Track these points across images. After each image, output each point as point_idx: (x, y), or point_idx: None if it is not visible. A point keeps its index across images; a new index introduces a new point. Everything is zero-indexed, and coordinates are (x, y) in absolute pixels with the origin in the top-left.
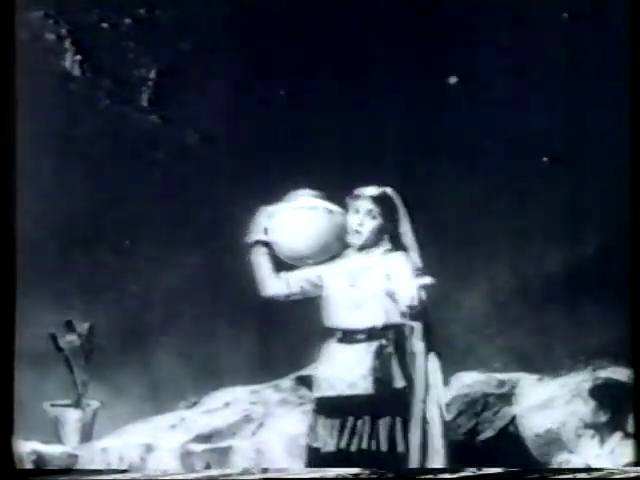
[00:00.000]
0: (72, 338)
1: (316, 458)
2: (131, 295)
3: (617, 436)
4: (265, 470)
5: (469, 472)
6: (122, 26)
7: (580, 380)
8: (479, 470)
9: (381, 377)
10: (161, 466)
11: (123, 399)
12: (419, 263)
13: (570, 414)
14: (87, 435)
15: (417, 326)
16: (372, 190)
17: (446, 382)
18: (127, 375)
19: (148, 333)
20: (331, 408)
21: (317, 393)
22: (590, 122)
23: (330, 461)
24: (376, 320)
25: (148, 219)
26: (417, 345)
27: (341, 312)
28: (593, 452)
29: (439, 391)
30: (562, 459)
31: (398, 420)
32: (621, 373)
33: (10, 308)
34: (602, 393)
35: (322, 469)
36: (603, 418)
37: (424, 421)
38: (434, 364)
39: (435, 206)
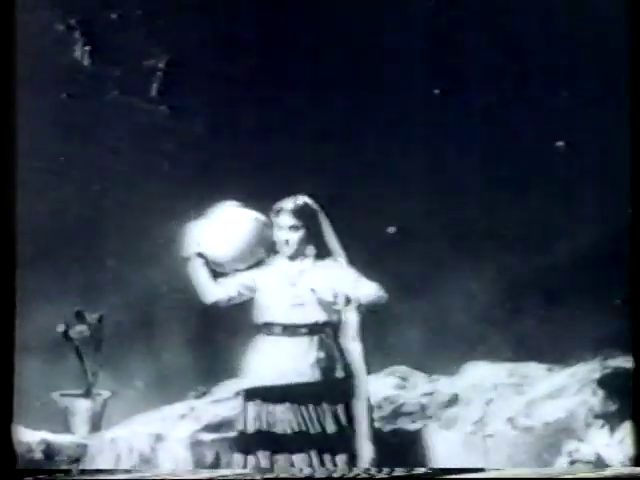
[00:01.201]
0: (82, 328)
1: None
2: (139, 285)
3: (627, 425)
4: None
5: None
6: (132, 16)
7: (589, 370)
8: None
9: (325, 367)
10: (171, 456)
11: (133, 389)
12: (345, 265)
13: (580, 404)
14: (97, 425)
15: (352, 324)
16: (290, 204)
17: (456, 371)
18: (137, 365)
19: (157, 323)
20: (278, 395)
21: (257, 382)
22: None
23: (282, 445)
24: (317, 317)
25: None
26: (352, 341)
27: (281, 309)
28: (603, 441)
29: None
30: (572, 448)
31: (340, 406)
32: (631, 362)
33: (10, 300)
34: (611, 383)
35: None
36: (612, 407)
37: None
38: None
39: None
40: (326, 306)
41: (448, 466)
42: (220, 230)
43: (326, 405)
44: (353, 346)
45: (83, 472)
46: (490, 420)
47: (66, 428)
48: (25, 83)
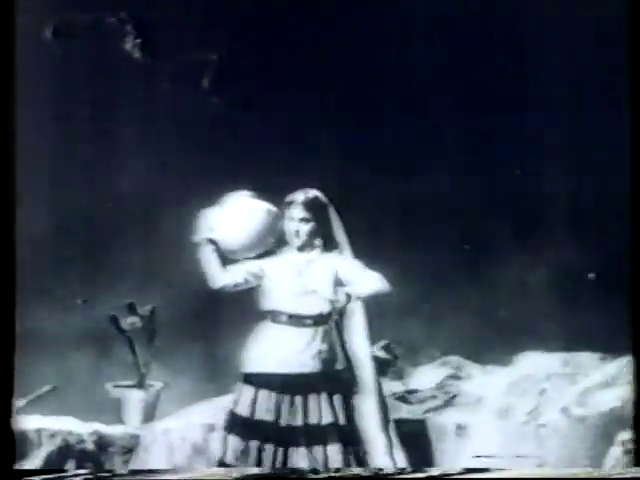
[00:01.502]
0: (134, 320)
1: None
2: (192, 275)
3: None
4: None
5: None
6: (182, 9)
7: None
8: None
9: (326, 359)
10: (223, 446)
11: (185, 379)
12: (350, 258)
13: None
14: (149, 416)
15: (359, 316)
16: (301, 196)
17: (509, 362)
18: (189, 355)
19: (210, 313)
20: (278, 384)
21: (256, 369)
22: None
23: (276, 434)
24: (322, 308)
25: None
26: (358, 333)
27: (287, 298)
28: None
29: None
30: (625, 438)
31: (338, 397)
32: None
33: (10, 296)
34: None
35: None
36: None
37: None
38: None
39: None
40: (336, 296)
41: (503, 456)
42: (232, 218)
43: (324, 396)
44: (358, 338)
45: (135, 473)
46: (544, 410)
47: (118, 419)
48: (75, 74)
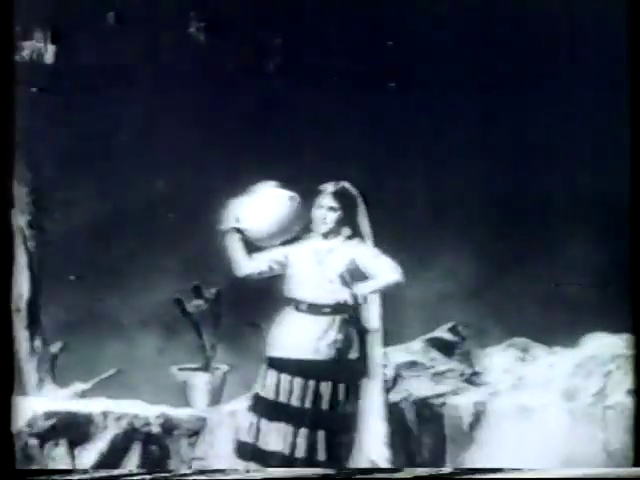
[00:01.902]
0: (199, 303)
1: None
2: None
3: None
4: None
5: None
6: None
7: None
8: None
9: (341, 348)
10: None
11: (251, 362)
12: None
13: None
14: (216, 398)
15: (374, 307)
16: (332, 186)
17: (575, 343)
18: (255, 338)
19: (275, 295)
20: (295, 369)
21: (278, 353)
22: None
23: (289, 417)
24: (341, 297)
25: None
26: (373, 323)
27: (308, 287)
28: None
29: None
30: None
31: (351, 385)
32: None
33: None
34: None
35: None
36: None
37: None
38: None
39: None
40: (353, 285)
41: (568, 438)
42: (259, 207)
43: (338, 384)
44: (374, 327)
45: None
46: (610, 392)
47: (185, 402)
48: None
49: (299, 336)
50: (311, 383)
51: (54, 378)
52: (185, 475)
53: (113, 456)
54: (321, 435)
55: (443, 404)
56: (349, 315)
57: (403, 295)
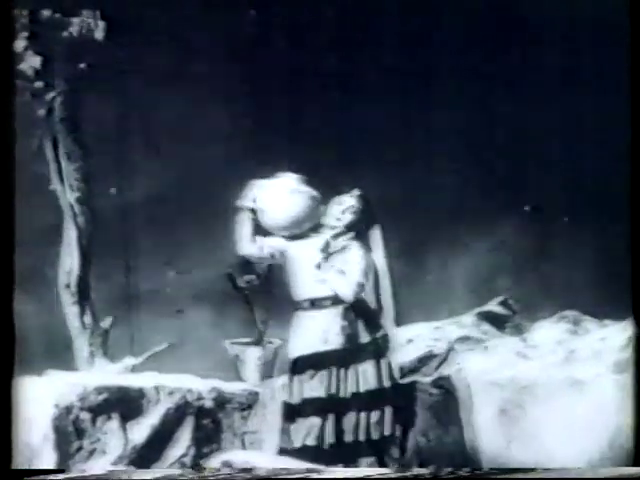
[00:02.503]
0: (251, 277)
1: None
2: None
3: None
4: None
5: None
6: None
7: None
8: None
9: (350, 334)
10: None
11: None
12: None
13: None
14: (268, 373)
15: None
16: (358, 190)
17: (626, 316)
18: None
19: None
20: (314, 363)
21: (297, 354)
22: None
23: (321, 406)
24: (338, 288)
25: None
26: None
27: (307, 285)
28: None
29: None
30: None
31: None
32: None
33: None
34: None
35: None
36: None
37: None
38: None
39: None
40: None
41: (619, 412)
42: (280, 196)
43: (353, 368)
44: (387, 304)
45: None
46: None
47: (237, 376)
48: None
49: (309, 333)
50: (332, 372)
51: (105, 353)
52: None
53: (165, 430)
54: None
55: (495, 377)
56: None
57: (453, 268)
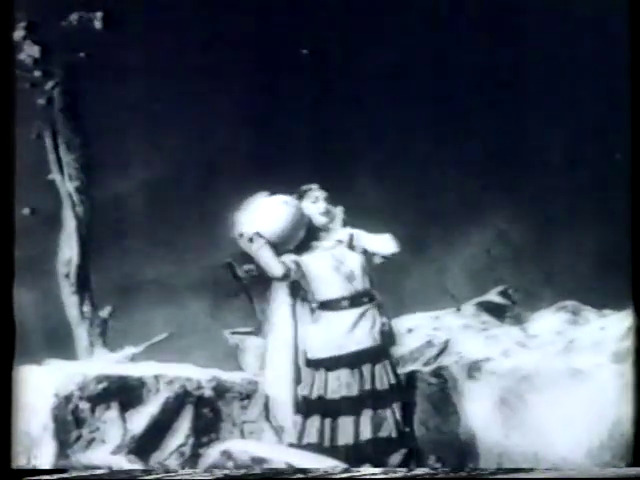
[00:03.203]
0: (250, 267)
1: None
2: None
3: None
4: None
5: None
6: None
7: None
8: None
9: (385, 331)
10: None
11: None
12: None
13: None
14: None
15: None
16: (318, 191)
17: (625, 306)
18: None
19: None
20: (344, 363)
21: (319, 354)
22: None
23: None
24: (358, 287)
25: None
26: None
27: (330, 286)
28: None
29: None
30: None
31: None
32: None
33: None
34: None
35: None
36: None
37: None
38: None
39: None
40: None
41: (619, 401)
42: (263, 215)
43: (379, 366)
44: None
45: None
46: None
47: (237, 366)
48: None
49: (328, 334)
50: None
51: (105, 342)
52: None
53: (165, 419)
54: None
55: (494, 367)
56: (369, 302)
57: (453, 258)
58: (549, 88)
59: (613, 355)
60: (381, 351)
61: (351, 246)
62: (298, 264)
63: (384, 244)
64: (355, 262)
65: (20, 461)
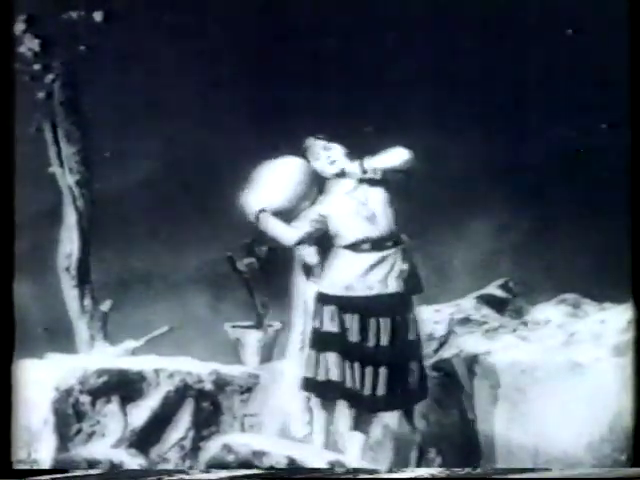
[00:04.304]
0: (250, 260)
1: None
2: None
3: None
4: None
5: None
6: None
7: None
8: None
9: (406, 278)
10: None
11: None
12: None
13: None
14: (268, 356)
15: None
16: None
17: (626, 299)
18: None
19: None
20: (351, 307)
21: (332, 290)
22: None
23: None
24: (381, 229)
25: None
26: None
27: (352, 230)
28: None
29: None
30: None
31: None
32: None
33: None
34: None
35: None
36: None
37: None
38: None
39: None
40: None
41: (619, 394)
42: (268, 183)
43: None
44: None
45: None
46: None
47: (237, 359)
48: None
49: (343, 274)
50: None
51: (105, 336)
52: None
53: (165, 413)
54: (382, 371)
55: (495, 360)
56: (390, 248)
57: (453, 252)
58: (549, 85)
59: (613, 348)
60: (395, 302)
61: (365, 174)
62: (323, 216)
63: (395, 156)
64: (377, 201)
65: (20, 455)
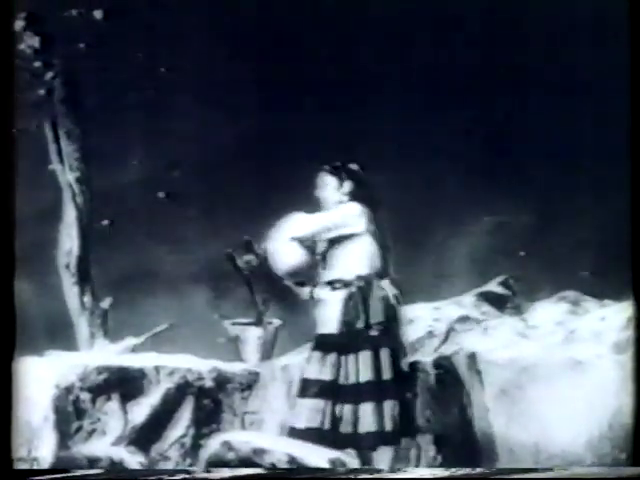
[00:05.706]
0: (250, 258)
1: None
2: None
3: None
4: None
5: None
6: None
7: None
8: None
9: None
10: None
11: (303, 317)
12: None
13: None
14: (268, 353)
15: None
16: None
17: (626, 297)
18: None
19: None
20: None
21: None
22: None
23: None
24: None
25: None
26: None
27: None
28: None
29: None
30: None
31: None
32: None
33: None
34: None
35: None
36: None
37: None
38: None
39: None
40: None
41: (619, 392)
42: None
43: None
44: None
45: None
46: None
47: (237, 357)
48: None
49: (324, 314)
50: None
51: (105, 333)
52: None
53: (165, 410)
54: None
55: (495, 358)
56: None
57: (453, 249)
58: (550, 84)
59: (613, 346)
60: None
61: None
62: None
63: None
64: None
65: (21, 452)
